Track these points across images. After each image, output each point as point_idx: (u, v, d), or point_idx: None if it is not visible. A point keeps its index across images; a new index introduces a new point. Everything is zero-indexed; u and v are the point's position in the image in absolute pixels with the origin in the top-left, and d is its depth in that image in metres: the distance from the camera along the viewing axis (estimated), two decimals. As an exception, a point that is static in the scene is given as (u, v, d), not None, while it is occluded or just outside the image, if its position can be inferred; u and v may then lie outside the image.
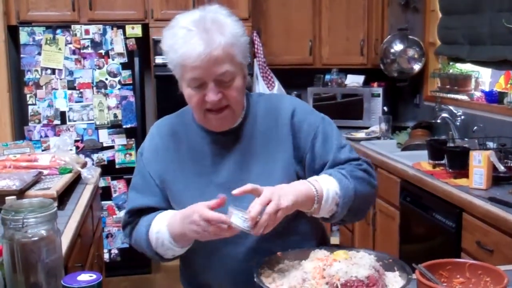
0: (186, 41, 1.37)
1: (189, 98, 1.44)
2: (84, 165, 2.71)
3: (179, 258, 1.56)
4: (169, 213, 1.47)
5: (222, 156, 1.50)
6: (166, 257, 1.49)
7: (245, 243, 1.46)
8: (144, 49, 3.95)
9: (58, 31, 3.75)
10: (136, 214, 1.53)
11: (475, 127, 3.18)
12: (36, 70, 3.74)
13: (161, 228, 1.44)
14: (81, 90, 3.81)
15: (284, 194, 1.30)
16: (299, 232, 1.53)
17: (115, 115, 3.86)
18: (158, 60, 3.97)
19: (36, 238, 1.17)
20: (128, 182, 3.90)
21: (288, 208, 1.30)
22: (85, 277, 1.09)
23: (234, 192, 1.30)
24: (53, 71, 3.77)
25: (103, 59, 3.82)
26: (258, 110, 1.54)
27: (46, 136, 3.79)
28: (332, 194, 1.38)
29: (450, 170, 2.70)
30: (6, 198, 1.65)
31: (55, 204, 1.24)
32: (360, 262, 1.25)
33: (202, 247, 1.46)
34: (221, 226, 1.28)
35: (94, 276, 1.09)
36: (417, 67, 4.03)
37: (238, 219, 1.26)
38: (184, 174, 1.50)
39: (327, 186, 1.39)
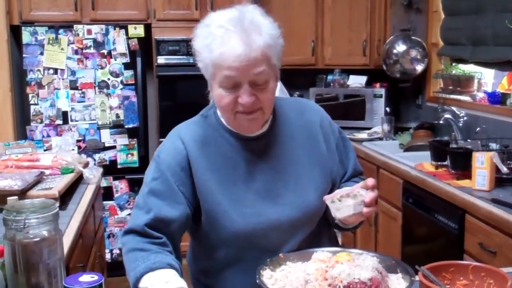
0: (225, 41, 1.33)
1: (220, 98, 1.39)
2: (86, 165, 2.71)
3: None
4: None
5: (255, 162, 1.46)
6: None
7: (284, 250, 1.44)
8: (146, 49, 3.94)
9: (61, 31, 3.75)
10: (159, 223, 1.39)
11: (478, 128, 3.17)
12: (39, 70, 3.74)
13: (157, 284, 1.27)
14: (83, 90, 3.81)
15: None
16: (328, 235, 1.57)
17: (117, 115, 3.86)
18: (161, 60, 3.97)
19: (37, 239, 1.17)
20: (130, 182, 3.90)
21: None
22: (87, 278, 1.09)
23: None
24: (56, 71, 3.77)
25: (105, 59, 3.81)
26: (287, 114, 1.53)
27: (48, 136, 3.79)
28: None
29: (452, 171, 2.70)
30: (8, 198, 1.64)
31: (57, 204, 1.23)
32: (362, 264, 1.24)
33: (240, 258, 1.43)
34: None
35: (96, 277, 1.09)
36: (419, 68, 4.02)
37: (346, 209, 1.34)
38: (220, 183, 1.43)
39: None
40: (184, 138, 1.47)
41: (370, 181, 1.36)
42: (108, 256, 3.84)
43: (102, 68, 3.82)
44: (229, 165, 1.45)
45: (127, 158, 3.91)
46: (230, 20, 1.35)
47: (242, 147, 1.47)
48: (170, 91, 4.03)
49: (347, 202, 1.35)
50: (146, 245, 1.36)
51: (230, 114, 1.41)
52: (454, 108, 3.55)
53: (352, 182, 1.55)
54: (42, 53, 3.73)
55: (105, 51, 3.81)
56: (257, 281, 1.24)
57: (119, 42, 3.82)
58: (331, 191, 1.52)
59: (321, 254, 1.33)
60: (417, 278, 1.23)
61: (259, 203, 1.44)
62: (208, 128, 1.49)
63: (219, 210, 1.42)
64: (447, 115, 3.49)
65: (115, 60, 3.83)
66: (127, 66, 3.84)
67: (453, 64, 3.78)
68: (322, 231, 1.56)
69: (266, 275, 1.31)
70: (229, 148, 1.47)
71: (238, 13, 1.37)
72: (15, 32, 3.79)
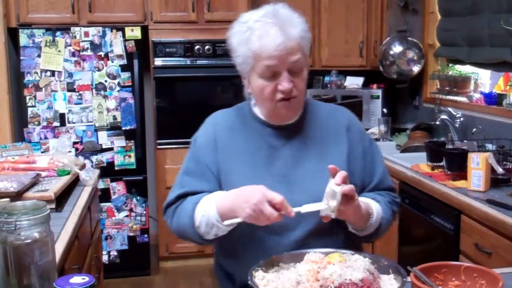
0: (265, 33, 1.45)
1: (262, 89, 1.50)
2: (82, 167, 2.71)
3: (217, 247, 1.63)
4: (220, 192, 1.52)
5: (277, 149, 1.57)
6: (207, 238, 1.51)
7: (290, 236, 1.51)
8: (143, 51, 3.94)
9: (58, 33, 3.75)
10: (191, 195, 1.56)
11: (474, 129, 3.18)
12: (36, 72, 3.75)
13: (209, 205, 1.47)
14: (80, 92, 3.81)
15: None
16: (342, 235, 1.58)
17: (114, 117, 3.86)
18: (158, 62, 3.97)
19: (29, 241, 1.17)
20: (127, 184, 3.91)
21: (355, 208, 1.42)
22: (78, 279, 1.09)
23: (330, 166, 1.38)
24: (53, 73, 3.77)
25: (102, 61, 3.82)
26: (317, 112, 1.64)
27: (46, 138, 3.79)
28: (377, 220, 1.55)
29: (448, 172, 2.70)
30: (0, 200, 1.64)
31: (50, 206, 1.24)
32: (354, 265, 1.25)
33: (246, 236, 1.51)
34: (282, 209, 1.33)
35: (87, 279, 1.09)
36: (416, 68, 4.02)
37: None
38: (239, 164, 1.55)
39: (376, 211, 1.54)
40: (215, 124, 1.63)
41: (339, 177, 1.37)
42: (105, 258, 3.84)
43: (99, 70, 3.82)
44: (252, 149, 1.57)
45: (124, 160, 3.91)
46: (266, 15, 1.49)
47: (268, 134, 1.58)
48: (167, 93, 4.03)
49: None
50: (182, 202, 1.56)
51: (271, 103, 1.52)
52: (450, 109, 3.55)
53: (377, 195, 1.61)
54: (39, 56, 3.74)
55: (102, 53, 3.81)
56: (249, 282, 1.25)
57: (116, 44, 3.82)
58: None
59: (313, 255, 1.33)
60: (409, 279, 1.23)
61: (273, 186, 1.45)
62: (239, 117, 1.63)
63: (234, 188, 1.47)
64: (444, 116, 3.50)
65: (112, 62, 3.83)
66: (124, 68, 3.84)
67: (450, 65, 3.79)
68: (334, 229, 1.56)
69: (259, 276, 1.31)
70: (255, 134, 1.59)
71: (272, 9, 1.51)
72: (12, 35, 3.80)
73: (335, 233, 1.57)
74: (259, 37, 1.45)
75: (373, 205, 1.55)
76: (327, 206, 1.37)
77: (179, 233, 1.58)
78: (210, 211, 1.46)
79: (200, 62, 4.01)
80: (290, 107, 1.53)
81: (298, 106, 1.56)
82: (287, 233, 1.51)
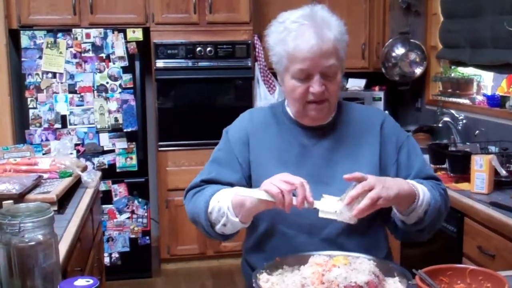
0: (299, 34, 1.46)
1: (293, 89, 1.51)
2: (84, 169, 2.71)
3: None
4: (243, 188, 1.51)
5: (308, 149, 1.57)
6: (216, 229, 1.49)
7: (320, 234, 1.50)
8: (145, 53, 3.94)
9: (59, 34, 3.75)
10: (216, 182, 1.57)
11: (477, 131, 3.17)
12: (37, 74, 3.74)
13: (227, 193, 1.47)
14: (82, 93, 3.81)
15: (387, 186, 1.35)
16: (373, 236, 1.57)
17: (116, 119, 3.86)
18: (159, 63, 3.96)
19: (33, 243, 1.17)
20: (129, 186, 3.90)
21: (389, 198, 1.34)
22: (82, 282, 1.08)
23: (345, 176, 1.34)
24: (54, 74, 3.76)
25: (104, 63, 3.81)
26: (351, 114, 1.63)
27: (47, 140, 3.78)
28: (426, 199, 1.45)
29: (451, 174, 2.69)
30: (3, 202, 1.63)
31: (52, 208, 1.23)
32: (359, 268, 1.24)
33: (276, 233, 1.51)
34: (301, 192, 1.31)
35: (91, 281, 1.08)
36: (418, 70, 4.02)
37: (327, 204, 1.33)
38: (269, 160, 1.56)
39: (421, 189, 1.45)
40: (250, 119, 1.65)
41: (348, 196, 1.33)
42: (107, 260, 3.83)
43: (100, 72, 3.81)
44: (283, 147, 1.57)
45: (126, 162, 3.90)
46: (303, 16, 1.49)
47: (300, 133, 1.58)
48: (169, 95, 4.02)
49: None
50: (204, 187, 1.56)
51: (301, 104, 1.52)
52: (453, 111, 3.55)
53: (424, 181, 1.54)
54: (40, 57, 3.73)
55: (103, 55, 3.81)
56: (254, 284, 1.24)
57: (118, 46, 3.82)
58: None
59: (318, 258, 1.33)
60: (414, 281, 1.23)
61: None
62: (273, 114, 1.64)
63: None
64: (446, 118, 3.49)
65: (114, 63, 3.82)
66: (125, 69, 3.84)
67: (452, 67, 3.78)
68: (368, 225, 1.53)
69: (263, 278, 1.30)
70: (287, 132, 1.60)
71: (309, 10, 1.51)
72: (13, 36, 3.79)
73: (366, 234, 1.53)
74: (294, 38, 1.46)
75: (417, 185, 1.46)
76: (340, 214, 1.34)
77: (192, 216, 1.57)
78: (226, 198, 1.46)
79: (202, 64, 4.00)
80: (319, 110, 1.52)
81: (328, 109, 1.55)
82: (316, 232, 1.50)
